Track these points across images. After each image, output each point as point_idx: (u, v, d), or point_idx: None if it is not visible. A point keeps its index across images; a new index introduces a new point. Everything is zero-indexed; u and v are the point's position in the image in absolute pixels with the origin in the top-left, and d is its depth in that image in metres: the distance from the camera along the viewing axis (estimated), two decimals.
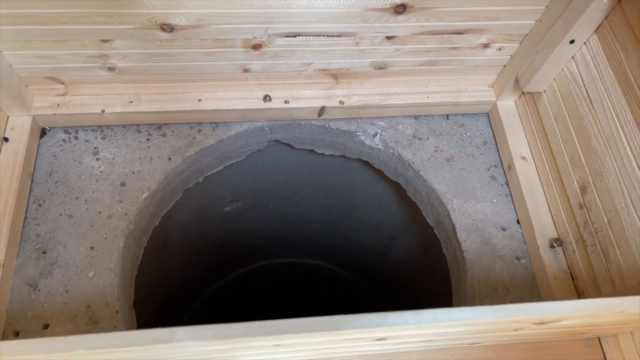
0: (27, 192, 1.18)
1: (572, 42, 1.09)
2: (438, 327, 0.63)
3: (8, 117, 1.21)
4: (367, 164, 1.48)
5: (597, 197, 1.06)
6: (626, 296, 0.94)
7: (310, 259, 2.51)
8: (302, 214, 2.04)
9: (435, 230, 1.38)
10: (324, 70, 1.27)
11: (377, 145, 1.36)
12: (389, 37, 1.17)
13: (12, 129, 1.20)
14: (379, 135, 1.36)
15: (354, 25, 1.12)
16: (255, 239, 2.18)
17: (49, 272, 1.10)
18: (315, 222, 2.10)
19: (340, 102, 1.31)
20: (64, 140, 1.26)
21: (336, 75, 1.30)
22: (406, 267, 1.97)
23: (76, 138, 1.27)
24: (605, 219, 1.04)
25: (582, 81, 1.10)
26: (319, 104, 1.31)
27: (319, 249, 2.36)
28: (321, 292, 2.70)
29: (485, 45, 1.24)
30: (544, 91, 1.24)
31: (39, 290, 1.08)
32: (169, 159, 1.26)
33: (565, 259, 1.17)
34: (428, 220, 1.40)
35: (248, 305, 2.72)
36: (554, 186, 1.22)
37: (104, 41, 1.09)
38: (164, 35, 1.09)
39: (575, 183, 1.13)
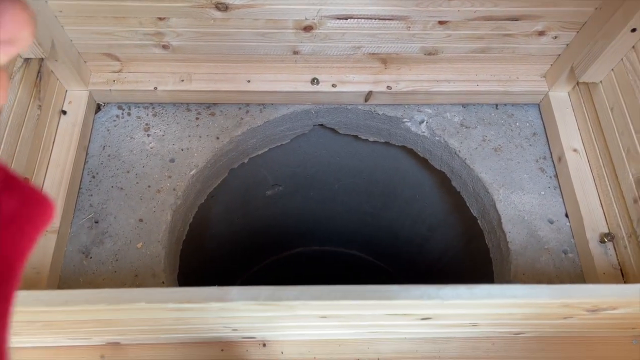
0: (82, 164, 1.22)
1: (633, 30, 1.05)
2: (489, 307, 0.62)
3: (67, 91, 1.25)
4: (410, 152, 1.47)
5: None
6: None
7: (345, 247, 2.51)
8: (341, 202, 2.04)
9: (479, 221, 1.36)
10: (373, 54, 1.26)
11: (424, 132, 1.35)
12: (441, 22, 1.16)
13: (70, 102, 1.24)
14: (425, 122, 1.35)
15: (407, 8, 1.11)
16: (294, 225, 2.19)
17: (101, 240, 1.14)
18: (354, 210, 2.10)
19: (387, 87, 1.31)
20: (117, 116, 1.30)
21: (385, 60, 1.29)
22: (444, 259, 1.95)
23: (129, 114, 1.31)
24: None
25: None
26: (366, 88, 1.31)
27: (355, 237, 2.36)
28: (355, 282, 2.70)
29: (541, 33, 1.21)
30: (601, 82, 1.20)
31: (91, 257, 1.13)
32: (217, 137, 1.29)
33: (616, 254, 1.13)
34: (472, 211, 1.38)
35: None
36: (606, 179, 1.18)
37: (160, 19, 1.12)
38: (218, 14, 1.11)
39: (631, 176, 1.09)
